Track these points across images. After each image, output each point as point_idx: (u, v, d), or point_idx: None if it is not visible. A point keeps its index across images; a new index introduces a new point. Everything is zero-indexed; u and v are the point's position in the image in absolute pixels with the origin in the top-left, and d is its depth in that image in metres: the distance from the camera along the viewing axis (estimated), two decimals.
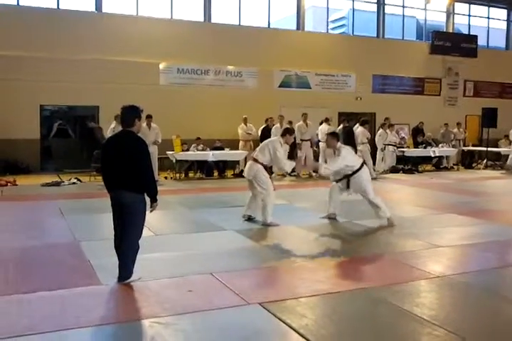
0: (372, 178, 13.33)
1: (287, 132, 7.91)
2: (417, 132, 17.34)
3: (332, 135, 7.92)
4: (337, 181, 7.84)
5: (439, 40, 20.43)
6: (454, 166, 17.31)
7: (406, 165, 15.79)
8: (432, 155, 16.35)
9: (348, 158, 7.54)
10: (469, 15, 21.51)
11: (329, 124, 14.41)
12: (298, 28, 18.29)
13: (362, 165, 7.67)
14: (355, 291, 4.55)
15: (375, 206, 7.59)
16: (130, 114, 4.85)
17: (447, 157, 17.29)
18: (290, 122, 14.34)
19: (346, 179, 7.66)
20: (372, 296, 4.44)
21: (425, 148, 16.27)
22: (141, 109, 4.94)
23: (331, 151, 8.10)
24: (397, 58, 19.33)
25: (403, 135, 17.27)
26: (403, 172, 15.25)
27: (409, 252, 5.99)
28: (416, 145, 16.50)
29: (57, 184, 11.78)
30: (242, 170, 13.44)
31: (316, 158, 14.99)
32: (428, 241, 6.43)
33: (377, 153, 15.08)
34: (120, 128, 4.99)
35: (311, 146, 14.55)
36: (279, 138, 7.79)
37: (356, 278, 4.99)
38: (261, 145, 7.97)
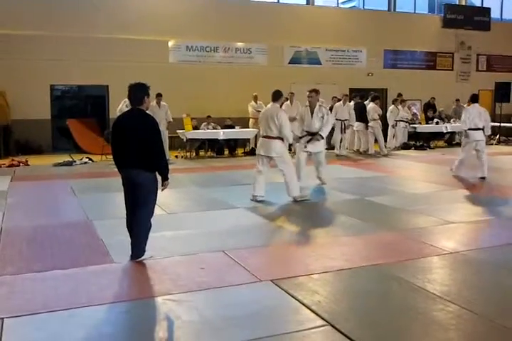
0: (383, 155, 13.54)
1: (281, 95, 7.85)
2: (428, 108, 17.14)
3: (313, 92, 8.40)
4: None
5: (451, 13, 20.01)
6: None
7: (418, 141, 15.65)
8: (444, 131, 16.16)
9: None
10: None
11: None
12: (308, 2, 17.97)
13: None
14: (367, 268, 4.55)
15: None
16: (139, 92, 4.82)
17: (459, 132, 17.08)
18: (292, 93, 14.15)
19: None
20: (384, 273, 4.44)
21: (437, 123, 16.08)
22: (148, 86, 4.90)
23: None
24: (408, 32, 18.99)
25: (415, 111, 17.05)
26: (415, 149, 15.11)
27: (422, 228, 5.96)
28: (427, 120, 16.32)
29: (69, 163, 11.83)
30: (252, 148, 13.43)
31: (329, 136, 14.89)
32: (440, 218, 6.39)
33: (389, 129, 14.93)
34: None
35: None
36: (278, 107, 7.69)
37: (368, 255, 4.98)
38: (263, 119, 7.63)
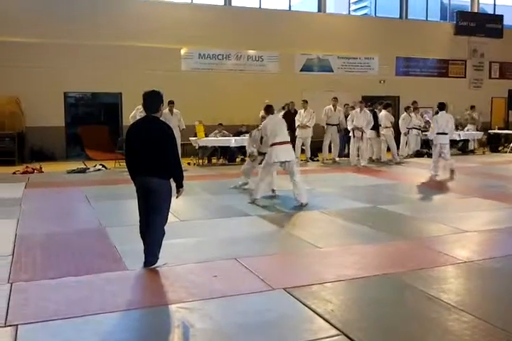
0: (395, 162, 13.48)
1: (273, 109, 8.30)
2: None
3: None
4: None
5: (463, 21, 19.96)
6: (475, 150, 17.00)
7: (430, 149, 15.55)
8: (457, 139, 16.06)
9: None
10: None
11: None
12: (319, 10, 18.02)
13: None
14: (380, 276, 4.52)
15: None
16: (154, 100, 4.86)
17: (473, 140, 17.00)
18: (305, 101, 14.10)
19: None
20: (398, 281, 4.41)
21: None
22: (162, 94, 4.94)
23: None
24: (420, 40, 18.96)
25: (427, 118, 16.97)
26: (428, 157, 15.00)
27: (436, 237, 5.93)
28: None
29: (82, 171, 11.91)
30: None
31: (343, 143, 14.83)
32: (454, 226, 6.35)
33: (401, 137, 14.88)
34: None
35: (339, 131, 14.21)
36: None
37: (382, 264, 4.95)
38: (277, 126, 7.89)
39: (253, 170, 9.21)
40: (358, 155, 13.10)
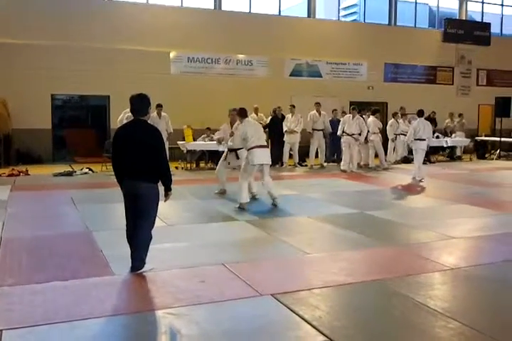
0: (383, 168, 13.54)
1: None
2: (429, 122, 17.13)
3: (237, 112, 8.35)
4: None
5: (451, 28, 20.16)
6: (463, 157, 17.13)
7: None
8: (445, 145, 16.19)
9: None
10: (482, 2, 21.15)
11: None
12: (309, 15, 18.11)
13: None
14: (368, 283, 4.53)
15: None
16: (142, 103, 4.83)
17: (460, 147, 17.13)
18: (292, 106, 14.15)
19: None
20: (385, 288, 4.42)
21: (437, 138, 16.10)
22: (149, 97, 4.92)
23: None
24: (409, 46, 19.11)
25: None
26: None
27: (423, 243, 5.95)
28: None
29: (69, 174, 11.83)
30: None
31: (330, 148, 14.86)
32: (442, 233, 6.38)
33: (389, 143, 14.96)
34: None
35: (324, 136, 14.27)
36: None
37: (369, 270, 4.96)
38: (257, 130, 8.13)
39: (226, 172, 9.34)
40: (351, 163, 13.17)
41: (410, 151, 15.55)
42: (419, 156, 11.60)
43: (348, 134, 13.00)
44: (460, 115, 17.79)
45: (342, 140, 13.18)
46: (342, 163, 13.19)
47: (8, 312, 3.83)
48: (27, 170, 11.91)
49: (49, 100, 14.82)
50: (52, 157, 14.80)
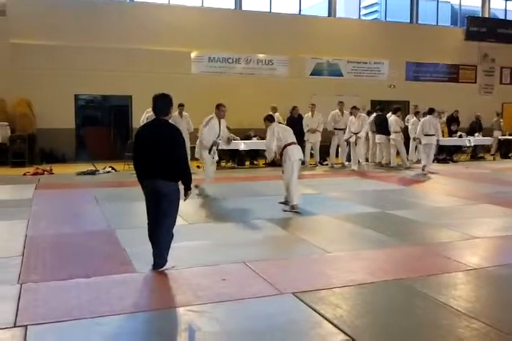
0: (405, 167, 13.42)
1: (216, 107, 8.82)
2: (452, 121, 16.99)
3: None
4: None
5: (474, 26, 19.90)
6: (486, 156, 16.92)
7: (440, 154, 15.49)
8: (468, 145, 15.98)
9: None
10: (506, 0, 20.85)
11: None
12: (329, 14, 18.05)
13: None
14: (389, 282, 4.50)
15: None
16: (164, 103, 4.87)
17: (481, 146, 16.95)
18: (313, 105, 14.17)
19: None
20: (407, 287, 4.38)
21: (460, 137, 15.92)
22: (171, 97, 4.96)
23: None
24: (431, 45, 18.91)
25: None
26: (437, 162, 14.95)
27: (445, 243, 5.89)
28: (451, 134, 16.18)
29: (92, 172, 11.96)
30: (273, 159, 13.45)
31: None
32: (464, 232, 6.31)
33: (411, 142, 14.81)
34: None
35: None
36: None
37: (391, 269, 4.92)
38: (286, 129, 8.09)
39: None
40: (350, 160, 13.44)
41: (440, 151, 15.43)
42: (430, 150, 12.66)
43: (354, 133, 13.13)
44: (498, 114, 17.64)
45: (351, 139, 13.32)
46: (351, 163, 13.35)
47: (32, 308, 3.89)
48: (51, 169, 12.08)
49: (72, 100, 15.03)
50: (75, 156, 15.00)
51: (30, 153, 13.67)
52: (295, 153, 7.78)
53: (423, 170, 12.43)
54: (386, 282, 4.50)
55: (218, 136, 8.86)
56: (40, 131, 14.02)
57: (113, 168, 12.58)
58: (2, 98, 13.93)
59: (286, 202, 7.89)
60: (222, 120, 8.87)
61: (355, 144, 13.22)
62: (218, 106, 8.87)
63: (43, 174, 11.75)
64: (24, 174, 11.64)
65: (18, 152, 13.32)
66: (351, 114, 13.43)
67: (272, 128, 7.92)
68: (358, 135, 13.10)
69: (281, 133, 7.84)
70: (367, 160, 14.72)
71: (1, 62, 13.89)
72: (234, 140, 9.61)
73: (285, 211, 7.59)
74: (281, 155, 7.86)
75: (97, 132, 16.62)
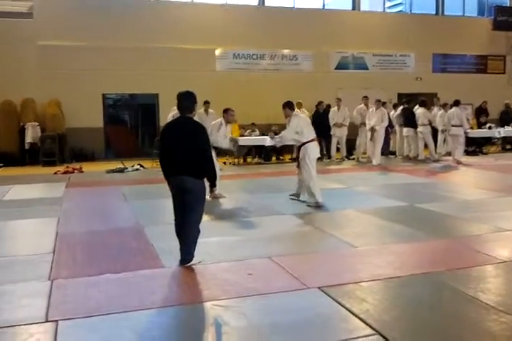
0: (433, 160, 13.25)
1: (224, 111, 8.62)
2: (480, 112, 16.67)
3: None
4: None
5: (502, 16, 19.47)
6: None
7: (469, 146, 15.23)
8: (497, 136, 15.67)
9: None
10: None
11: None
12: (353, 8, 17.89)
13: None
14: (417, 276, 4.46)
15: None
16: (188, 100, 4.91)
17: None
18: (339, 99, 14.08)
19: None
20: (435, 281, 4.34)
21: (490, 128, 15.62)
22: (195, 94, 4.99)
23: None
24: (458, 36, 18.59)
25: (468, 116, 16.59)
26: (467, 154, 14.70)
27: (475, 236, 5.81)
28: (479, 125, 15.89)
29: (121, 170, 12.14)
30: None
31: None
32: (494, 225, 6.20)
33: (439, 134, 14.59)
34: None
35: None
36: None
37: (419, 263, 4.88)
38: (306, 123, 7.95)
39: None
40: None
41: (469, 143, 15.17)
42: (460, 140, 13.13)
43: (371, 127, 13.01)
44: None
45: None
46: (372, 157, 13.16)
47: (63, 303, 3.98)
48: (81, 168, 12.30)
49: (100, 99, 15.25)
50: (104, 154, 15.24)
51: (61, 152, 13.95)
52: (314, 151, 7.74)
53: (454, 160, 12.77)
54: (413, 276, 4.47)
55: None
56: (70, 130, 14.28)
57: (141, 166, 12.74)
58: (32, 99, 14.22)
59: (296, 195, 7.99)
60: (229, 124, 8.75)
61: (372, 138, 13.04)
62: (226, 111, 8.68)
63: (73, 172, 11.97)
64: (55, 173, 11.88)
65: (49, 151, 13.61)
66: (396, 105, 13.43)
67: (294, 120, 7.74)
68: (376, 128, 12.91)
69: (303, 127, 7.74)
70: (393, 153, 14.57)
71: (29, 64, 14.17)
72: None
73: (309, 206, 7.58)
74: (298, 149, 7.80)
75: (125, 130, 16.88)
